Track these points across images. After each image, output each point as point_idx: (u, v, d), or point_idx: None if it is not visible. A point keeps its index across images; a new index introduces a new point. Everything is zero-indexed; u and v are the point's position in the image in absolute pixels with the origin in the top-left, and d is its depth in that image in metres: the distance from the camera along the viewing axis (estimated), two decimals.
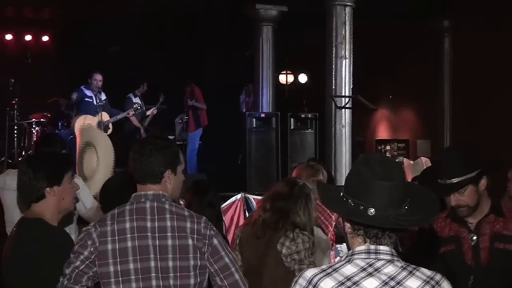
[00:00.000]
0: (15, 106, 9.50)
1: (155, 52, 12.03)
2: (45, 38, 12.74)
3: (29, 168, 2.84)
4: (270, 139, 9.64)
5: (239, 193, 6.84)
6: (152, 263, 2.44)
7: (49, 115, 9.85)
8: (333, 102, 8.45)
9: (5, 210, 3.88)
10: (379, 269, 1.89)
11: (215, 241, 2.49)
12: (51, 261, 2.67)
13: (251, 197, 6.85)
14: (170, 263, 2.43)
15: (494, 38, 9.85)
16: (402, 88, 11.83)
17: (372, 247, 1.92)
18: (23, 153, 9.19)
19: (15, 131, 9.51)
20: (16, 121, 9.46)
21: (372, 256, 1.90)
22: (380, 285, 1.86)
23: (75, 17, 11.39)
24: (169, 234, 2.45)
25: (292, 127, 9.81)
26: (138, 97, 9.72)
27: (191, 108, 10.61)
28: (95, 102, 8.63)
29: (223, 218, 4.50)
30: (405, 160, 5.90)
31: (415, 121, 12.17)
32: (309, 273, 1.93)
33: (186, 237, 2.45)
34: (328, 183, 4.64)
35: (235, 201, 6.74)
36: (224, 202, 6.41)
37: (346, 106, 8.47)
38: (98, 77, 8.66)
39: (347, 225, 1.97)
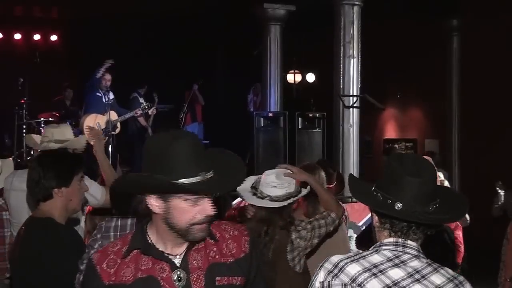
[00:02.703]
0: (24, 106, 9.52)
1: (163, 52, 12.05)
2: (54, 38, 12.80)
3: (39, 166, 2.84)
4: (277, 139, 9.64)
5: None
6: None
7: (57, 114, 9.90)
8: (341, 102, 8.42)
9: (10, 211, 3.84)
10: (405, 262, 1.93)
11: None
12: (61, 260, 2.68)
13: None
14: None
15: (503, 37, 9.81)
16: (410, 87, 11.80)
17: (400, 240, 1.96)
18: (32, 153, 9.23)
19: (24, 130, 9.54)
20: (24, 120, 9.48)
21: (400, 248, 1.95)
22: (406, 276, 1.89)
23: (83, 17, 11.42)
24: None
25: (300, 127, 9.80)
26: (142, 97, 9.78)
27: (189, 102, 10.75)
28: (104, 101, 8.67)
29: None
30: None
31: (423, 121, 12.12)
32: (335, 258, 1.97)
33: None
34: (337, 183, 4.61)
35: (242, 200, 6.73)
36: (233, 201, 6.42)
37: (354, 105, 8.45)
38: (107, 76, 8.71)
39: (375, 218, 2.02)
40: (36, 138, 4.52)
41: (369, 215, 4.50)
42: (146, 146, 1.85)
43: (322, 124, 9.84)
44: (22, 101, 9.57)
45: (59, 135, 4.17)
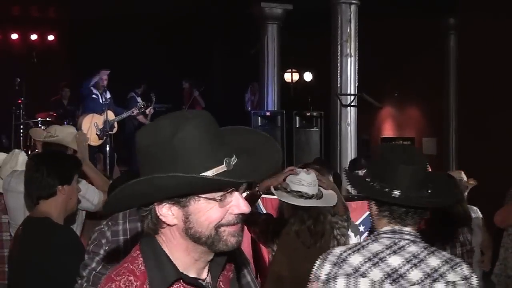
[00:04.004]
0: (21, 106, 9.52)
1: (161, 51, 12.04)
2: (51, 37, 12.78)
3: (43, 165, 2.90)
4: (275, 138, 9.51)
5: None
6: None
7: (54, 114, 9.88)
8: (338, 100, 8.43)
9: (8, 211, 3.83)
10: (403, 248, 2.01)
11: None
12: (59, 261, 2.68)
13: None
14: None
15: (500, 35, 9.81)
16: (408, 86, 11.79)
17: (397, 227, 2.04)
18: (29, 152, 9.20)
19: (21, 131, 9.53)
20: (22, 121, 9.48)
21: (397, 235, 2.03)
22: (404, 262, 1.97)
23: (80, 16, 11.41)
24: None
25: (297, 126, 9.81)
26: (139, 96, 9.78)
27: (190, 104, 10.78)
28: (100, 101, 8.67)
29: None
30: None
31: (421, 119, 12.13)
32: (338, 250, 2.06)
33: None
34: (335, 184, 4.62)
35: None
36: None
37: (352, 104, 8.45)
38: (104, 75, 8.70)
39: (374, 207, 2.10)
40: (42, 133, 4.86)
41: (366, 214, 4.52)
42: (143, 141, 1.36)
43: (320, 123, 9.84)
44: (19, 101, 9.56)
45: (61, 132, 4.41)
